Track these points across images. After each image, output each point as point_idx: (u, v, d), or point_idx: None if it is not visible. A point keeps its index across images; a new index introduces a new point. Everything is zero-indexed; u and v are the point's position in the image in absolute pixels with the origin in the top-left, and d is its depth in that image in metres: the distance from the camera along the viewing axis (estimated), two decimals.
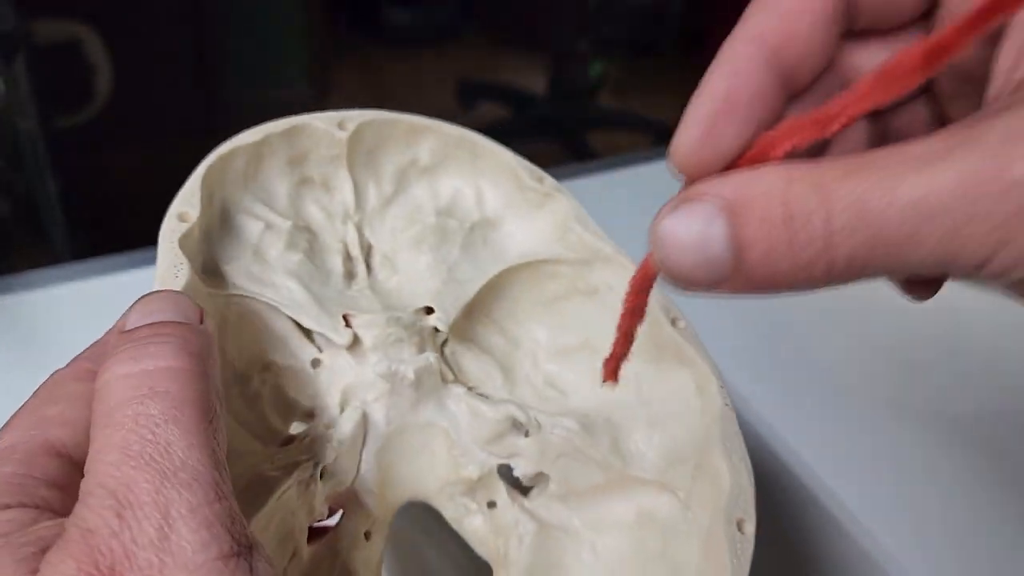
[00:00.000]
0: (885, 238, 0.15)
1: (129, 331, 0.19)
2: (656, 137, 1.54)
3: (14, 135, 0.87)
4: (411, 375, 0.26)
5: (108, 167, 1.24)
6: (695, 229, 0.16)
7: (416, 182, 0.30)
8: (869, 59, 0.21)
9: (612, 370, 0.22)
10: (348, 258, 0.28)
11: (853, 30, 0.20)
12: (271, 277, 0.26)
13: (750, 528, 0.23)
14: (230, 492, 0.17)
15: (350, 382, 0.26)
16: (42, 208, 0.91)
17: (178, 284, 0.23)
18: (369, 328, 0.26)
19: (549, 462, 0.26)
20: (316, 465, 0.24)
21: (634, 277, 0.20)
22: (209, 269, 0.25)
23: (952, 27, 0.15)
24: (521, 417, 0.26)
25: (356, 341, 0.26)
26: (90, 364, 0.21)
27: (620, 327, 0.21)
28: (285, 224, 0.27)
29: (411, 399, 0.26)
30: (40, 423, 0.19)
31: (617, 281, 0.28)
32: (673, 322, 0.27)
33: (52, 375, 0.21)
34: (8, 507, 0.18)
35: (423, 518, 0.30)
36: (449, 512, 0.26)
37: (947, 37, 0.15)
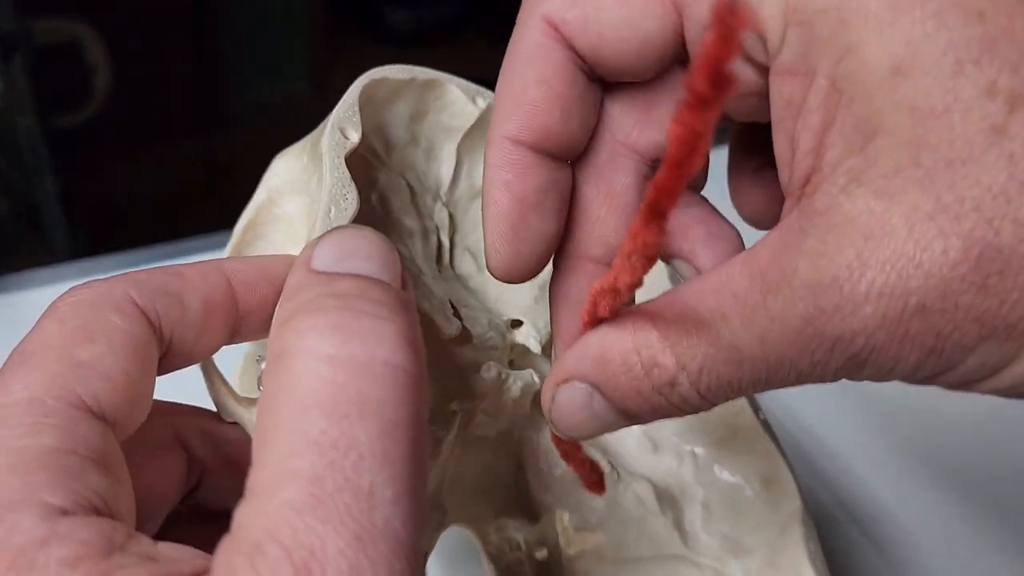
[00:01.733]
0: (736, 372, 0.16)
1: (324, 274, 0.16)
2: None
3: (14, 135, 0.86)
4: (517, 391, 0.23)
5: (108, 167, 1.24)
6: (581, 410, 0.18)
7: None
8: (635, 102, 0.20)
9: (595, 482, 0.21)
10: (438, 239, 0.26)
11: (609, 83, 0.20)
12: (386, 234, 0.24)
13: None
14: (424, 558, 0.14)
15: (455, 374, 0.23)
16: (42, 208, 0.91)
17: (346, 211, 0.20)
18: (473, 325, 0.24)
19: (611, 520, 0.24)
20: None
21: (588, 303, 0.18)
22: None
23: (657, 182, 0.14)
24: (605, 465, 0.24)
25: (463, 335, 0.23)
26: (139, 293, 0.17)
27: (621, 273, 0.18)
28: (400, 180, 0.24)
29: (502, 416, 0.24)
30: (72, 368, 0.15)
31: None
32: (755, 411, 0.26)
33: (78, 291, 0.16)
34: (66, 513, 0.13)
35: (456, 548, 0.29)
36: (491, 544, 0.24)
37: (658, 187, 0.14)
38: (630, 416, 0.18)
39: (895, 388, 0.18)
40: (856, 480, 0.39)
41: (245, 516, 0.13)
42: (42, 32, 1.11)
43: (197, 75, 1.34)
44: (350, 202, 0.20)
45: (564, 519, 0.24)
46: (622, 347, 0.17)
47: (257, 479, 0.13)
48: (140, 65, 1.24)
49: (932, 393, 0.20)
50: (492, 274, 0.20)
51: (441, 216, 0.26)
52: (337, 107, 0.23)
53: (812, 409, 0.41)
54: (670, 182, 0.13)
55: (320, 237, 0.16)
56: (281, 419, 0.13)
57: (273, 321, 0.16)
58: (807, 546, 0.23)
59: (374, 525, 0.12)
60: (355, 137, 0.22)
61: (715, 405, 0.18)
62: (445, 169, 0.26)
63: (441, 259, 0.26)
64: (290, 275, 0.16)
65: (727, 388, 0.17)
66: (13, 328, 0.44)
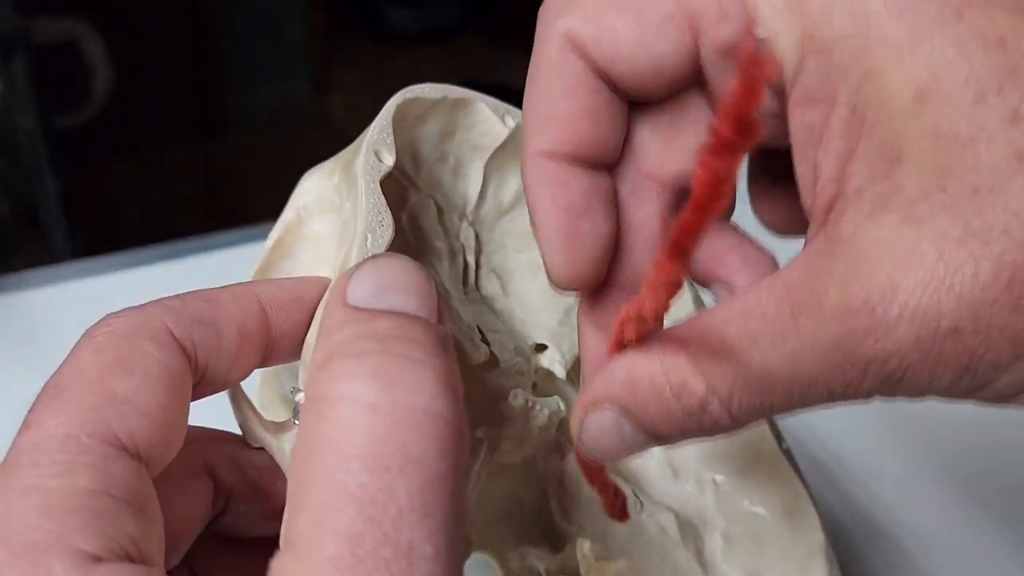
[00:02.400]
0: (767, 394, 0.16)
1: (362, 311, 0.15)
2: None
3: (14, 135, 0.87)
4: (544, 419, 0.23)
5: (108, 167, 1.24)
6: (610, 434, 0.18)
7: None
8: (658, 128, 0.21)
9: (619, 508, 0.21)
10: (464, 259, 0.25)
11: (633, 108, 0.20)
12: (416, 257, 0.23)
13: None
14: None
15: (482, 401, 0.23)
16: (41, 207, 0.91)
17: (383, 238, 0.20)
18: (500, 350, 0.23)
19: (633, 549, 0.24)
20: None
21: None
22: None
23: (678, 228, 0.14)
24: (626, 492, 0.24)
25: (490, 360, 0.23)
26: (175, 322, 0.16)
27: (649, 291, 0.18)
28: (428, 200, 0.24)
29: (528, 442, 0.23)
30: (108, 403, 0.15)
31: None
32: (778, 440, 0.25)
33: (114, 320, 0.16)
34: (99, 560, 0.13)
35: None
36: (512, 572, 0.23)
37: (683, 227, 0.14)
38: (659, 438, 0.18)
39: (925, 408, 0.18)
40: (881, 501, 0.39)
41: (284, 569, 0.13)
42: (42, 32, 1.11)
43: (197, 75, 1.34)
44: (386, 228, 0.20)
45: (585, 547, 0.24)
46: (651, 371, 0.17)
47: (295, 530, 0.13)
48: (140, 65, 1.24)
49: (962, 412, 0.20)
50: (556, 286, 0.20)
51: (467, 235, 0.26)
52: (371, 128, 0.22)
53: (839, 428, 0.41)
54: (695, 223, 0.14)
55: (355, 268, 0.16)
56: (320, 469, 0.13)
57: (311, 361, 0.15)
58: None
59: None
60: (390, 160, 0.22)
61: (745, 425, 0.18)
62: (472, 187, 0.26)
63: (467, 281, 0.25)
64: (326, 309, 0.16)
65: (758, 409, 0.17)
66: (13, 328, 0.44)
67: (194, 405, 0.18)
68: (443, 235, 0.25)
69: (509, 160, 0.26)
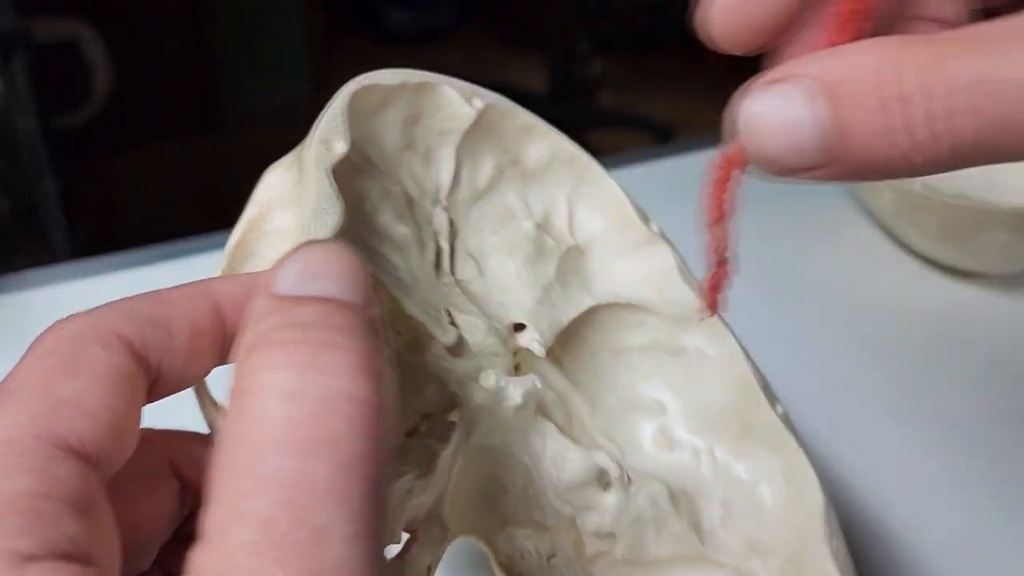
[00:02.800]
0: (1013, 117, 0.14)
1: (286, 299, 0.15)
2: (656, 137, 1.54)
3: (14, 135, 0.87)
4: (519, 399, 0.23)
5: (108, 167, 1.25)
6: (792, 113, 0.16)
7: (509, 184, 0.27)
8: None
9: (712, 299, 0.20)
10: (437, 245, 0.25)
11: None
12: (377, 245, 0.23)
13: None
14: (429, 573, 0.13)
15: (454, 384, 0.23)
16: (41, 207, 0.91)
17: (327, 226, 0.19)
18: (472, 332, 0.23)
19: (624, 524, 0.24)
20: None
21: (714, 173, 0.18)
22: None
23: None
24: (612, 470, 0.24)
25: (460, 343, 0.23)
26: (124, 324, 0.16)
27: (711, 247, 0.19)
28: (395, 187, 0.24)
29: (505, 423, 0.23)
30: (53, 406, 0.15)
31: (713, 349, 0.26)
32: (772, 404, 0.25)
33: (63, 325, 0.16)
34: (34, 558, 0.13)
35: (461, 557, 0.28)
36: (501, 554, 0.23)
37: None
38: (841, 147, 0.15)
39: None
40: (883, 474, 0.39)
41: (199, 560, 0.12)
42: (42, 32, 1.11)
43: (197, 75, 1.34)
44: (332, 215, 0.20)
45: (576, 524, 0.24)
46: (873, 56, 0.15)
47: (211, 521, 0.13)
48: (140, 65, 1.25)
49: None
50: (716, 44, 0.18)
51: (441, 221, 0.25)
52: (322, 117, 0.22)
53: (836, 402, 0.41)
54: None
55: (283, 258, 0.15)
56: (238, 459, 0.13)
57: (236, 352, 0.15)
58: (830, 543, 0.23)
59: (329, 565, 0.12)
60: (341, 147, 0.21)
61: (946, 163, 0.15)
62: (444, 173, 0.26)
63: (440, 265, 0.25)
64: (252, 300, 0.15)
65: (975, 134, 0.15)
66: (13, 328, 0.44)
67: (163, 408, 0.18)
68: (412, 222, 0.24)
69: (481, 142, 0.26)
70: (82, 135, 1.21)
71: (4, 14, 0.82)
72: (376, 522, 0.13)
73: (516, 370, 0.25)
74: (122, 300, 0.17)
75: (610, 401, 0.27)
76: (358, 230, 0.22)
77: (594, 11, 1.64)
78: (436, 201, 0.25)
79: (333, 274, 0.15)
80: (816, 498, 0.23)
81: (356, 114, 0.23)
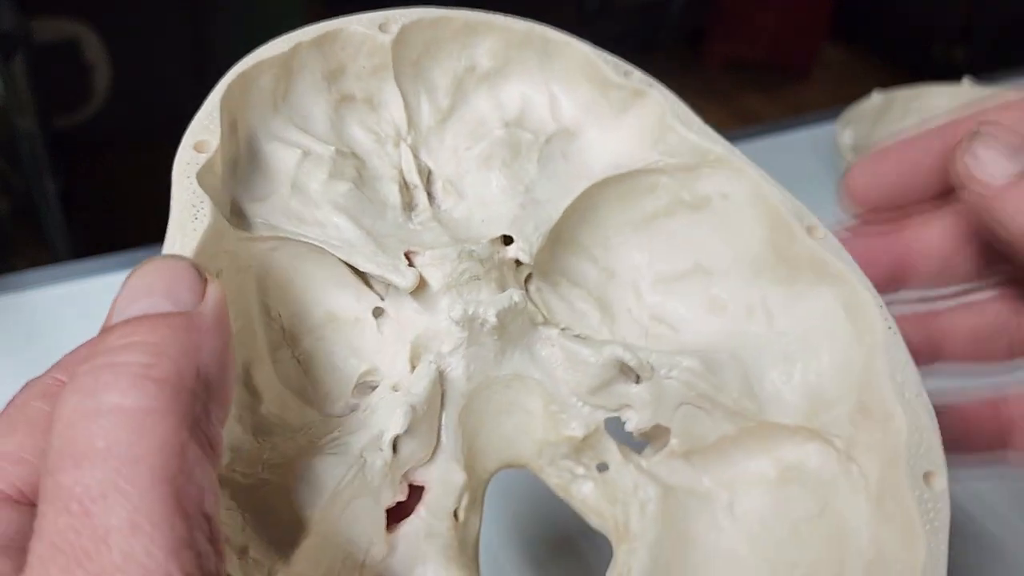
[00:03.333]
0: None
1: (106, 330, 0.16)
2: None
3: (14, 135, 0.87)
4: (493, 319, 0.22)
5: (108, 167, 1.24)
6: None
7: (475, 92, 0.25)
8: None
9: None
10: (405, 186, 0.24)
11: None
12: (314, 213, 0.22)
13: (941, 483, 0.19)
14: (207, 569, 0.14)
15: (420, 333, 0.22)
16: (41, 208, 0.91)
17: (199, 229, 0.19)
18: (438, 266, 0.22)
19: (668, 412, 0.22)
20: (386, 436, 0.20)
21: None
22: (236, 211, 0.22)
23: None
24: (629, 359, 0.22)
25: (423, 283, 0.22)
26: (61, 373, 0.17)
27: None
28: (326, 150, 0.23)
29: (495, 348, 0.22)
30: None
31: (733, 188, 0.23)
32: (809, 231, 0.22)
33: (24, 388, 0.17)
34: None
35: (523, 487, 0.26)
36: (552, 479, 0.22)
37: None
38: None
39: None
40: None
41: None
42: (42, 32, 1.11)
43: (197, 75, 1.34)
44: (203, 217, 0.19)
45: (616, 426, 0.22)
46: None
47: (32, 539, 0.14)
48: (140, 65, 1.24)
49: None
50: (852, 200, 0.24)
51: (406, 158, 0.24)
52: (194, 119, 0.21)
53: None
54: None
55: (126, 278, 0.16)
56: (44, 477, 0.14)
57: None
58: (893, 379, 0.20)
59: (114, 564, 0.13)
60: (214, 143, 0.21)
61: None
62: (395, 111, 0.24)
63: (416, 205, 0.24)
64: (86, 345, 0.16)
65: None
66: (13, 328, 0.44)
67: None
68: (357, 177, 0.23)
69: (424, 62, 0.25)
70: (82, 135, 1.21)
71: (4, 14, 0.82)
72: (169, 509, 0.13)
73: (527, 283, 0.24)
74: (66, 355, 0.18)
75: (649, 281, 0.24)
76: (289, 207, 0.22)
77: (594, 11, 1.64)
78: (398, 142, 0.24)
79: (152, 289, 0.16)
80: (877, 328, 0.21)
81: (260, 99, 0.22)
